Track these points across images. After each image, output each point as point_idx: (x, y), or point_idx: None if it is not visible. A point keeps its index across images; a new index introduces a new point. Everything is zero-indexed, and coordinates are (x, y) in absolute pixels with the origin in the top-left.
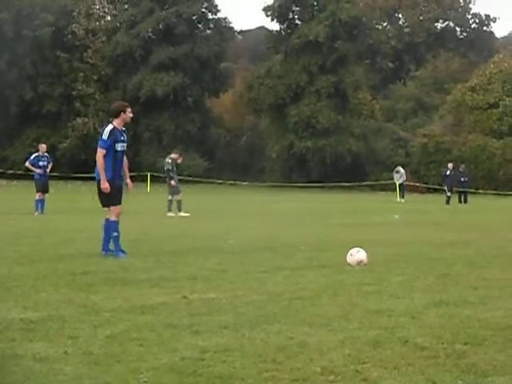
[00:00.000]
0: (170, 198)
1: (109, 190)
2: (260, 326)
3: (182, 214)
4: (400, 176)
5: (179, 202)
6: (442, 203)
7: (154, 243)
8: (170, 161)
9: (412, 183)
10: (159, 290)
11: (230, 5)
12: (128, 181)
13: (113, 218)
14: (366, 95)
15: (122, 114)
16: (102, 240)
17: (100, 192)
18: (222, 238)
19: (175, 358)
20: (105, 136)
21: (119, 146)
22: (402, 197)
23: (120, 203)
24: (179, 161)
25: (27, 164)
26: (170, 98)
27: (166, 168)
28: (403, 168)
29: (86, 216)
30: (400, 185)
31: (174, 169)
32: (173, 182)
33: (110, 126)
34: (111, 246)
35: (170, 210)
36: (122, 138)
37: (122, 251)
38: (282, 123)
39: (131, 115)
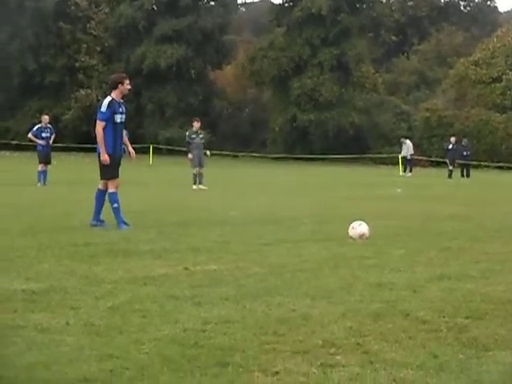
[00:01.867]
0: (194, 171)
1: (108, 162)
2: (261, 298)
3: (200, 186)
4: (405, 147)
5: (199, 174)
6: (445, 177)
7: (157, 215)
8: (187, 133)
9: (415, 157)
10: (162, 261)
11: None
12: (130, 149)
13: (111, 190)
14: (368, 68)
15: (119, 85)
16: (94, 210)
17: (100, 164)
18: (224, 209)
19: (177, 330)
20: (103, 108)
21: (118, 118)
22: (407, 170)
23: (118, 176)
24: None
25: (30, 135)
26: (173, 70)
27: (186, 141)
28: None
29: (89, 187)
30: (404, 158)
31: (195, 140)
32: (189, 155)
33: (108, 98)
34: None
35: (194, 183)
36: (121, 109)
37: (125, 223)
38: (284, 96)
39: (129, 87)
